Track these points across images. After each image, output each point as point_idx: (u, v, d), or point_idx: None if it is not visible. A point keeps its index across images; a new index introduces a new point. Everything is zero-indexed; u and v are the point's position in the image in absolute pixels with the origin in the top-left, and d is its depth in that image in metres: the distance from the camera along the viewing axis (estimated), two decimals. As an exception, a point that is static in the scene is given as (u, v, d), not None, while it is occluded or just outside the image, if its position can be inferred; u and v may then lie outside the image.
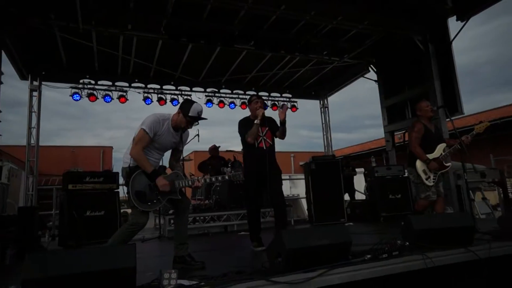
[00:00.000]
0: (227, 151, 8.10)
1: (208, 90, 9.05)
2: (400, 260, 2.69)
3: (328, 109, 10.25)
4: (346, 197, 7.94)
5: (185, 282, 2.37)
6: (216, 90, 9.12)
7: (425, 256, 2.70)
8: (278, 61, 8.20)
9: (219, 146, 8.07)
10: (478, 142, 7.97)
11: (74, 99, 7.76)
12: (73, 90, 7.75)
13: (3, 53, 5.90)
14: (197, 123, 3.31)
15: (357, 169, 9.43)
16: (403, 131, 7.25)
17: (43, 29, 5.97)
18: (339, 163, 6.86)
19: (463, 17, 6.15)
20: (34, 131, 7.31)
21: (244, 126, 4.08)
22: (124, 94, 8.18)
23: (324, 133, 10.21)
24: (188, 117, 3.16)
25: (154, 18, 6.06)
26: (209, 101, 8.97)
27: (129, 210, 3.33)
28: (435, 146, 4.23)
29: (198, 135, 7.26)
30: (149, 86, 8.49)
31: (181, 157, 3.55)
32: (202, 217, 6.49)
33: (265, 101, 9.50)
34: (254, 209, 4.18)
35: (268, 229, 4.72)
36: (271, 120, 4.19)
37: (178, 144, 3.34)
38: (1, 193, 5.46)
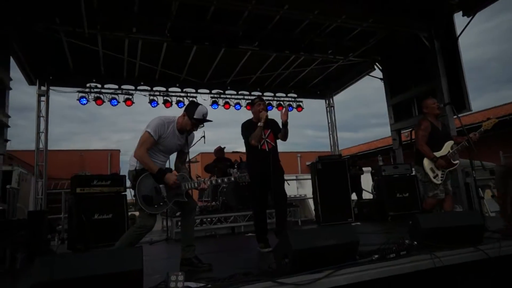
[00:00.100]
0: (233, 152, 8.11)
1: (213, 91, 9.07)
2: (408, 260, 2.67)
3: (334, 108, 10.21)
4: (354, 196, 7.90)
5: (192, 284, 2.38)
6: (222, 91, 9.13)
7: (434, 256, 2.67)
8: (282, 61, 8.19)
9: (225, 147, 8.08)
10: (487, 139, 7.86)
11: (81, 103, 7.83)
12: (80, 94, 7.83)
13: (11, 59, 6.00)
14: (202, 125, 3.32)
15: (364, 168, 9.38)
16: (410, 129, 7.19)
17: (50, 34, 6.04)
18: (346, 162, 6.82)
19: (469, 12, 6.07)
20: (42, 136, 7.40)
21: (247, 128, 4.13)
22: (130, 97, 8.23)
23: (330, 133, 10.16)
24: (194, 120, 3.18)
25: (159, 21, 6.10)
26: (214, 103, 8.98)
27: (136, 213, 3.34)
28: (442, 144, 4.19)
29: (204, 136, 7.27)
30: (154, 88, 8.53)
31: (188, 159, 3.55)
32: (209, 219, 6.51)
33: (271, 102, 9.50)
34: (260, 211, 4.20)
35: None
36: (273, 122, 4.22)
37: (183, 147, 3.36)
38: (12, 198, 5.54)
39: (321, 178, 6.52)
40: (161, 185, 3.05)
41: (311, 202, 8.19)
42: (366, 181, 9.09)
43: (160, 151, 3.20)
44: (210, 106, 8.87)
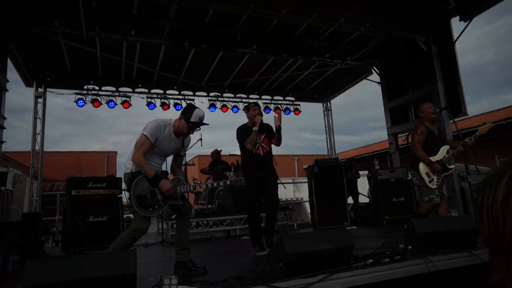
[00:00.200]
0: (230, 155, 8.11)
1: (211, 94, 9.07)
2: (402, 264, 2.67)
3: (331, 112, 10.23)
4: (350, 200, 7.89)
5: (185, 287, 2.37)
6: (219, 94, 9.14)
7: (428, 260, 2.67)
8: (280, 65, 8.21)
9: (221, 150, 8.08)
10: (483, 143, 7.90)
11: (79, 105, 7.82)
12: (77, 96, 7.81)
13: (8, 60, 5.99)
14: (198, 128, 3.32)
15: (361, 172, 9.38)
16: (407, 133, 7.21)
17: (48, 36, 6.04)
18: (342, 166, 6.83)
19: (466, 17, 6.12)
20: (39, 138, 7.37)
21: (242, 133, 4.20)
22: (128, 99, 8.22)
23: (327, 136, 10.17)
24: (190, 123, 3.18)
25: (157, 24, 6.11)
26: (212, 105, 8.98)
27: (132, 215, 3.34)
28: (438, 148, 4.20)
29: (201, 139, 7.28)
30: (152, 91, 8.53)
31: (184, 162, 3.55)
32: (205, 222, 6.49)
33: (268, 105, 9.51)
34: (255, 214, 4.22)
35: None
36: (268, 127, 4.28)
37: (179, 150, 3.35)
38: (5, 199, 5.50)
39: (317, 182, 6.52)
40: (156, 188, 3.04)
41: (307, 205, 8.18)
42: (363, 184, 9.10)
43: (156, 154, 3.19)
44: (208, 109, 8.87)
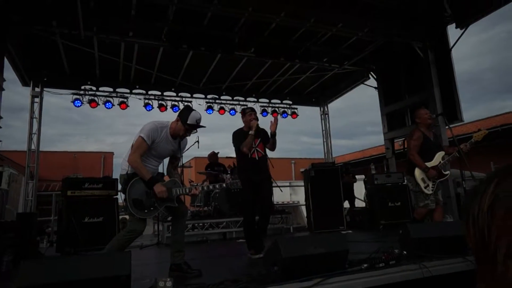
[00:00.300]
0: (227, 157, 8.10)
1: (208, 96, 9.07)
2: (397, 269, 2.68)
3: (328, 116, 10.26)
4: (346, 204, 7.91)
5: (180, 290, 2.37)
6: (217, 96, 9.14)
7: (422, 266, 2.68)
8: (278, 68, 8.23)
9: (218, 152, 8.08)
10: (479, 150, 7.95)
11: (76, 105, 7.79)
12: (75, 96, 7.78)
13: (5, 59, 5.96)
14: (195, 130, 3.32)
15: (357, 176, 9.40)
16: (403, 138, 7.24)
17: (45, 36, 6.02)
18: (339, 170, 6.85)
19: (462, 24, 6.18)
20: (35, 137, 7.34)
21: (238, 137, 4.24)
22: (125, 100, 8.20)
23: (324, 140, 10.20)
24: (187, 125, 3.18)
25: (155, 25, 6.11)
26: (209, 108, 8.99)
27: (127, 217, 3.32)
28: (434, 154, 4.23)
29: (198, 141, 7.27)
30: (150, 92, 8.52)
31: (181, 164, 3.55)
32: (201, 224, 6.47)
33: (266, 108, 9.54)
34: (250, 217, 4.24)
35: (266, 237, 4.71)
36: (263, 132, 4.34)
37: (176, 152, 3.35)
38: (0, 199, 5.46)
39: (314, 185, 6.53)
40: (152, 190, 3.04)
41: (304, 209, 8.19)
42: (360, 189, 9.11)
43: (152, 156, 3.19)
44: (205, 111, 8.88)
